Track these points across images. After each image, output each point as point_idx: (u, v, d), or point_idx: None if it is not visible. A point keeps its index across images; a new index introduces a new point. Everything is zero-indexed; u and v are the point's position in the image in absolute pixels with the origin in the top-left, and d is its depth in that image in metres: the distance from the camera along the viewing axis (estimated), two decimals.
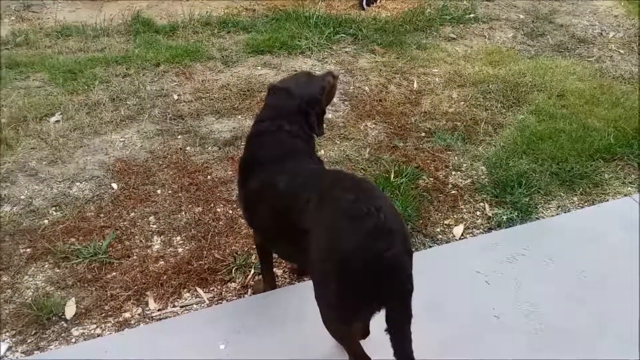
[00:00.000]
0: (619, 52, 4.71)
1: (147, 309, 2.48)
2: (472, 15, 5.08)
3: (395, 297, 1.77)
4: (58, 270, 2.63)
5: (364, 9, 5.08)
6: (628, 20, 5.17)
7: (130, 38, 4.44)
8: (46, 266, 2.65)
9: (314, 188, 1.93)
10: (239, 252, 2.74)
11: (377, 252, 1.69)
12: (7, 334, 2.37)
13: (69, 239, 2.77)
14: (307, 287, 2.53)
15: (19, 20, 4.76)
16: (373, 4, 5.12)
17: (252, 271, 2.66)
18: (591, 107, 3.90)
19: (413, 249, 1.85)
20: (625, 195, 3.19)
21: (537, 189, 3.20)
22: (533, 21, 5.07)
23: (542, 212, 3.08)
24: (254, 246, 2.77)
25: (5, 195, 3.03)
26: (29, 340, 2.35)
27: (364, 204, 1.74)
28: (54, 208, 2.97)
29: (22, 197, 3.02)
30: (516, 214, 3.02)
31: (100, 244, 2.74)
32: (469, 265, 2.60)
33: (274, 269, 2.56)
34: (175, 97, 3.86)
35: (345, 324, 1.90)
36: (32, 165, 3.24)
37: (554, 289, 2.48)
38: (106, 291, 2.54)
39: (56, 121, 3.60)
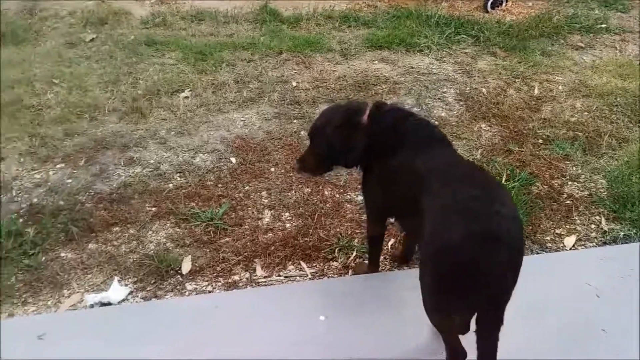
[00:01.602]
0: None
1: (255, 274, 2.63)
2: (603, 26, 4.83)
3: (486, 304, 1.74)
4: (178, 230, 2.85)
5: (487, 11, 4.99)
6: None
7: (257, 26, 4.68)
8: (168, 225, 2.88)
9: (444, 173, 1.94)
10: (342, 234, 2.83)
11: (476, 257, 1.65)
12: (130, 280, 2.61)
13: (190, 203, 3.00)
14: (407, 275, 2.59)
15: (159, 3, 5.18)
16: (498, 7, 5.01)
17: (354, 253, 2.73)
18: None
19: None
20: None
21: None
22: None
23: None
24: (357, 231, 2.86)
25: (137, 158, 3.32)
26: (148, 288, 2.57)
27: (483, 204, 1.72)
28: (178, 174, 3.22)
29: (152, 161, 3.30)
30: (634, 231, 2.86)
31: (217, 210, 2.94)
32: (579, 277, 2.50)
33: None
34: (294, 84, 4.03)
35: (441, 314, 1.90)
36: (161, 134, 3.53)
37: None
38: (219, 254, 2.72)
39: (185, 97, 3.88)
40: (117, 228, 2.86)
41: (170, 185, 3.13)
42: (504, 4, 5.01)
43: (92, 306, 2.48)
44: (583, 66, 4.33)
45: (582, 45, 4.61)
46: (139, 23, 4.77)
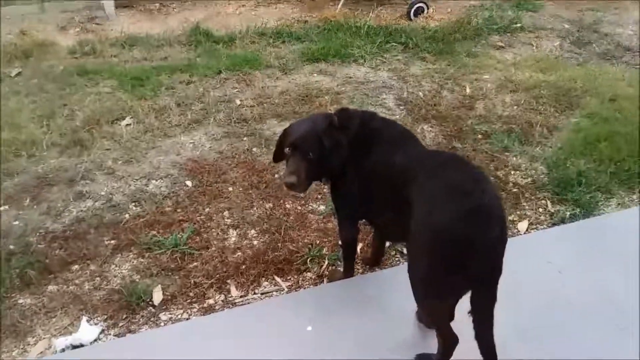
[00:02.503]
0: None
1: (230, 296, 2.60)
2: (518, 25, 5.18)
3: (485, 279, 1.83)
4: (142, 260, 2.77)
5: (411, 19, 5.22)
6: None
7: (191, 48, 4.64)
8: (131, 256, 2.80)
9: (424, 165, 2.02)
10: (312, 245, 2.86)
11: (472, 232, 1.76)
12: (99, 318, 2.50)
13: (150, 231, 2.92)
14: (381, 276, 2.66)
15: (84, 32, 5.02)
16: (421, 14, 5.25)
17: (326, 262, 2.77)
18: None
19: None
20: None
21: (597, 187, 3.26)
22: (578, 30, 5.15)
23: (604, 209, 3.14)
24: (325, 240, 2.90)
25: (86, 191, 3.20)
26: (120, 324, 2.48)
27: (469, 184, 1.83)
28: (133, 203, 3.13)
29: (102, 193, 3.19)
30: (578, 210, 3.09)
31: (181, 236, 2.88)
32: (539, 257, 2.67)
33: None
34: (238, 102, 4.03)
35: (437, 299, 1.97)
36: (108, 164, 3.41)
37: (628, 280, 2.54)
38: (189, 279, 2.67)
39: (127, 124, 3.79)
40: (77, 266, 2.74)
41: (127, 215, 3.04)
42: (425, 12, 5.26)
43: (63, 350, 2.36)
44: (506, 64, 4.62)
45: (502, 44, 4.92)
46: (66, 53, 4.60)
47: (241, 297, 2.60)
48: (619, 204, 3.19)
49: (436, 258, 1.85)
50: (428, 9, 5.27)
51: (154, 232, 2.92)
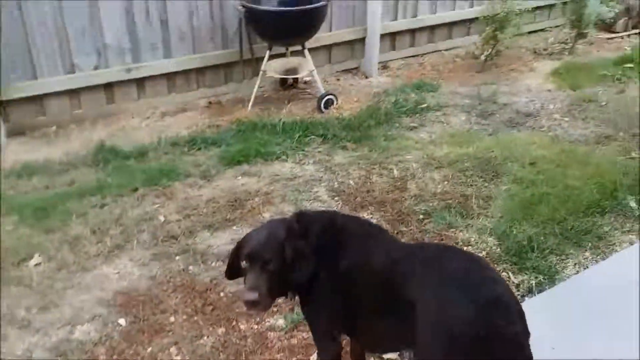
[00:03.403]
0: (564, 120, 5.09)
1: None
2: (424, 105, 5.36)
3: None
4: None
5: (322, 111, 5.24)
6: (560, 92, 5.66)
7: (99, 168, 4.26)
8: None
9: (417, 259, 1.81)
10: None
11: (494, 326, 1.57)
12: None
13: None
14: None
15: None
16: (331, 106, 5.30)
17: None
18: (563, 170, 4.12)
19: None
20: (630, 243, 3.31)
21: (550, 250, 3.25)
22: (480, 103, 5.43)
23: (564, 272, 3.11)
24: (297, 353, 2.57)
25: None
26: None
27: (476, 274, 1.65)
28: (59, 358, 2.62)
29: (19, 352, 2.66)
30: (542, 277, 3.03)
31: None
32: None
33: None
34: (162, 218, 3.68)
35: None
36: (21, 315, 2.89)
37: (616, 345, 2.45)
38: None
39: (36, 264, 3.28)
40: None
41: None
42: (335, 103, 5.32)
43: None
44: (424, 142, 4.70)
45: (415, 125, 5.03)
46: None
47: None
48: (575, 263, 3.18)
49: (459, 354, 1.62)
50: (337, 101, 5.34)
51: None
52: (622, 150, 4.45)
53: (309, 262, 2.00)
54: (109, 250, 3.38)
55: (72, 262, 3.28)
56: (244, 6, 4.94)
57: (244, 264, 2.01)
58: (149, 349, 2.65)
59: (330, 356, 2.16)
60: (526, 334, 1.64)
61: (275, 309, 2.88)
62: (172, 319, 2.84)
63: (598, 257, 3.24)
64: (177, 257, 3.31)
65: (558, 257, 3.22)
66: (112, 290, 3.06)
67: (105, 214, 3.71)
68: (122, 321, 2.83)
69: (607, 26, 7.35)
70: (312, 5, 5.04)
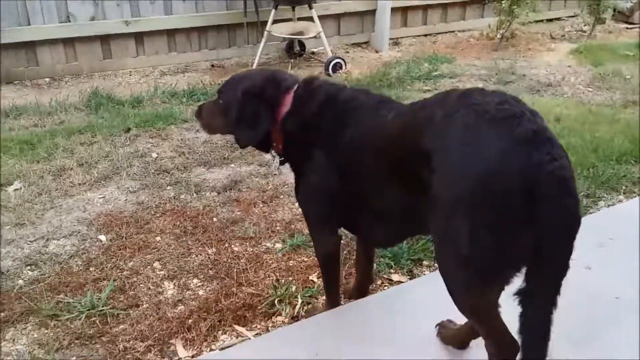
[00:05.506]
0: (587, 90, 4.82)
1: (176, 357, 1.85)
2: (438, 73, 5.12)
3: (558, 229, 1.30)
4: (46, 331, 1.98)
5: (329, 75, 5.00)
6: (582, 68, 5.39)
7: (91, 112, 4.00)
8: (29, 327, 2.00)
9: (438, 103, 1.50)
10: (277, 284, 2.20)
11: (537, 162, 1.26)
12: None
13: (56, 295, 2.13)
14: (369, 302, 2.04)
15: None
16: (339, 70, 5.06)
17: (299, 301, 2.12)
18: (591, 126, 3.83)
19: None
20: None
21: (580, 192, 2.95)
22: (496, 73, 5.17)
23: (596, 211, 2.81)
24: (290, 278, 2.26)
25: None
26: None
27: (511, 106, 1.34)
28: (28, 267, 2.34)
29: None
30: None
31: (98, 296, 2.11)
32: None
33: None
34: (154, 155, 3.40)
35: (488, 281, 1.40)
36: None
37: None
38: (116, 345, 1.91)
39: (15, 189, 3.00)
40: None
41: (20, 281, 2.24)
42: (344, 67, 5.09)
43: None
44: None
45: (428, 88, 4.77)
46: None
47: (192, 356, 1.86)
48: (608, 205, 2.88)
49: (487, 213, 1.29)
50: (345, 65, 5.10)
51: (62, 295, 2.13)
52: None
53: (258, 130, 1.81)
54: (95, 180, 3.10)
55: (54, 188, 3.00)
56: None
57: None
58: (130, 264, 2.35)
59: (326, 248, 1.84)
60: (573, 176, 1.32)
61: (272, 233, 2.58)
62: (158, 238, 2.55)
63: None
64: (168, 187, 3.03)
65: (589, 199, 2.91)
66: (95, 212, 2.78)
67: (93, 151, 3.44)
68: (102, 237, 2.54)
69: (625, 17, 7.16)
70: None
